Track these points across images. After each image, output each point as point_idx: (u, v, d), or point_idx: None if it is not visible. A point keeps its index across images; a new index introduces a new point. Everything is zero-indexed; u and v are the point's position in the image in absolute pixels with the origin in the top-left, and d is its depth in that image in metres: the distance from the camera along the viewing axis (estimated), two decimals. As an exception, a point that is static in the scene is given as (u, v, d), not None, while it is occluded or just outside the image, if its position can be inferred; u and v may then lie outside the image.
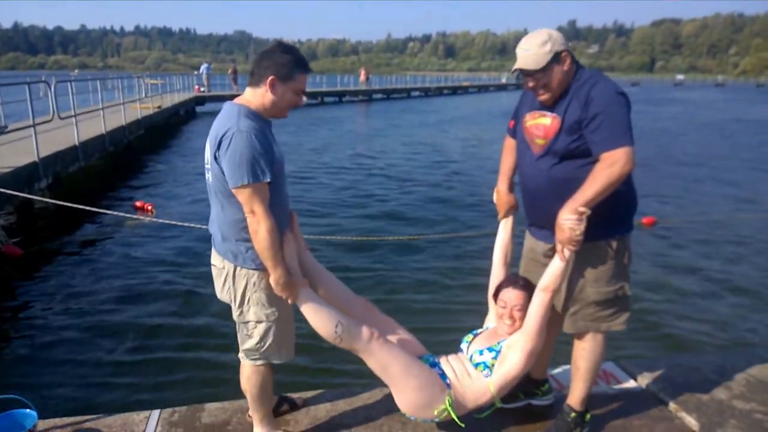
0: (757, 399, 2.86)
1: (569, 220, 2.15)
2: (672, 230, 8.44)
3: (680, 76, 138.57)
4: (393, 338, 2.44)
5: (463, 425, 2.39)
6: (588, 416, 2.57)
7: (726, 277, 6.59)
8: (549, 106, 2.30)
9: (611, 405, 2.81)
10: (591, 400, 2.59)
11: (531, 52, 2.20)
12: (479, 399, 2.38)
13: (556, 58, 2.20)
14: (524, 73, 2.25)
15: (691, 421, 2.68)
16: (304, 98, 2.29)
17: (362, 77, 44.39)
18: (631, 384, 3.04)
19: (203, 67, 33.60)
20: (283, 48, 2.20)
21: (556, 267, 2.30)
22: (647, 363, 3.25)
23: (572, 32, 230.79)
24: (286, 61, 2.15)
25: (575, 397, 2.54)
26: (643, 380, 3.04)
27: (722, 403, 2.82)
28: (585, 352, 2.48)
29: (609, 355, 2.60)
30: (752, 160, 15.86)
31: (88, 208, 6.27)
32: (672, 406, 2.81)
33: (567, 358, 2.70)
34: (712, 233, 8.36)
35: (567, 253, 2.24)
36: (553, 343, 2.72)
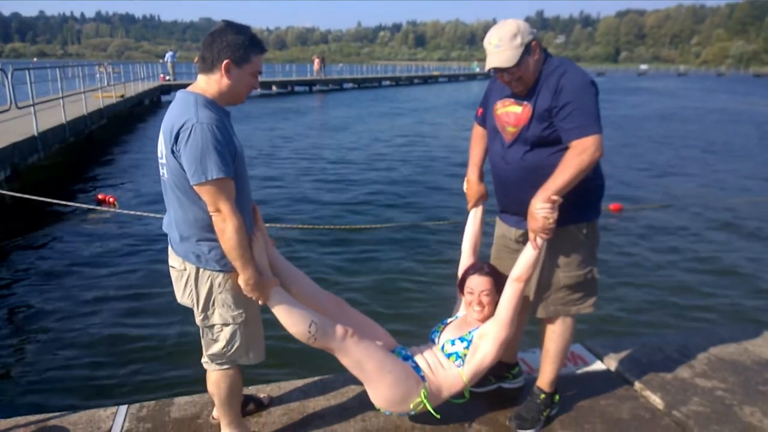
0: (718, 377, 2.95)
1: (543, 209, 2.16)
2: (637, 216, 8.63)
3: (644, 66, 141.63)
4: (364, 333, 2.41)
5: (438, 416, 2.40)
6: (557, 397, 2.62)
7: (688, 261, 6.78)
8: (519, 95, 2.30)
9: (579, 386, 2.87)
10: (559, 381, 2.63)
11: (503, 48, 2.18)
12: (452, 389, 2.39)
13: (528, 49, 2.19)
14: (498, 69, 2.23)
15: (656, 399, 2.75)
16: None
17: (316, 66, 42.50)
18: (597, 365, 3.10)
19: (168, 55, 33.08)
20: (236, 28, 2.00)
21: (528, 256, 2.31)
22: (613, 344, 3.32)
23: (540, 22, 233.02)
24: (241, 42, 1.98)
25: (545, 379, 2.59)
26: (609, 361, 3.11)
27: (685, 382, 2.90)
28: (555, 335, 2.52)
29: (576, 337, 2.65)
30: (714, 147, 16.29)
31: (47, 200, 6.09)
32: (637, 385, 2.88)
33: (536, 341, 2.74)
34: (674, 219, 8.58)
35: (540, 241, 2.26)
36: (523, 328, 2.75)
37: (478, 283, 2.46)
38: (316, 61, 43.36)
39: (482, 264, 2.56)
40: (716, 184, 11.26)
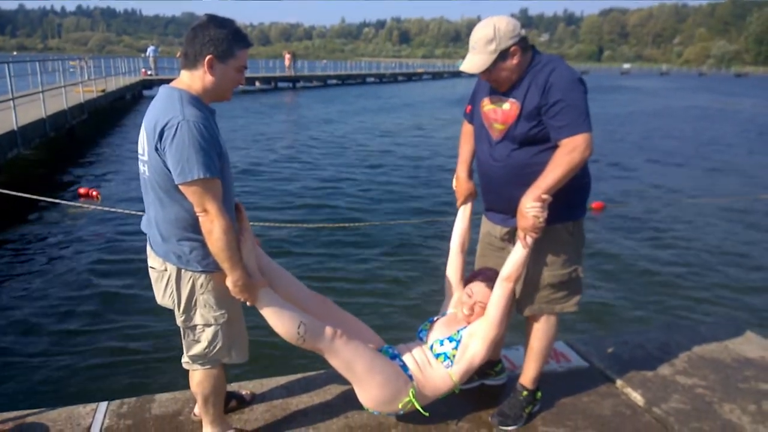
0: (699, 374, 2.98)
1: (533, 207, 2.15)
2: (619, 214, 8.71)
3: (627, 65, 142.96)
4: (352, 333, 2.38)
5: (427, 414, 2.39)
6: (539, 394, 2.63)
7: (669, 259, 6.86)
8: (507, 92, 2.30)
9: (561, 383, 2.88)
10: (542, 378, 2.64)
11: (476, 51, 2.19)
12: (441, 388, 2.39)
13: (503, 55, 2.17)
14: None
15: (636, 396, 2.77)
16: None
17: (287, 61, 41.52)
18: (579, 362, 3.12)
19: (150, 50, 32.73)
20: (218, 22, 1.93)
21: (518, 255, 2.31)
22: (595, 341, 3.35)
23: (524, 20, 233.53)
24: (224, 37, 1.91)
25: (527, 376, 2.59)
26: (591, 358, 3.13)
27: (666, 379, 2.93)
28: (539, 333, 2.52)
29: (559, 334, 2.66)
30: (696, 144, 16.48)
31: (27, 195, 5.98)
32: (618, 382, 2.91)
33: (519, 338, 2.75)
34: (656, 217, 8.68)
35: (529, 240, 2.25)
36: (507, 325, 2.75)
37: (479, 292, 2.45)
38: (287, 56, 42.73)
39: (494, 275, 2.45)
40: (698, 181, 11.40)
